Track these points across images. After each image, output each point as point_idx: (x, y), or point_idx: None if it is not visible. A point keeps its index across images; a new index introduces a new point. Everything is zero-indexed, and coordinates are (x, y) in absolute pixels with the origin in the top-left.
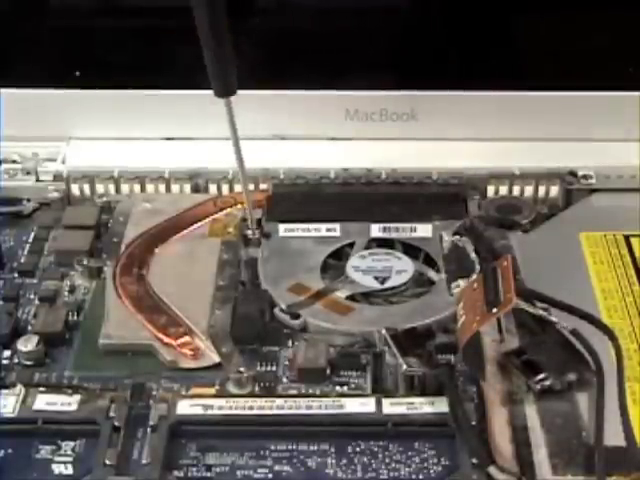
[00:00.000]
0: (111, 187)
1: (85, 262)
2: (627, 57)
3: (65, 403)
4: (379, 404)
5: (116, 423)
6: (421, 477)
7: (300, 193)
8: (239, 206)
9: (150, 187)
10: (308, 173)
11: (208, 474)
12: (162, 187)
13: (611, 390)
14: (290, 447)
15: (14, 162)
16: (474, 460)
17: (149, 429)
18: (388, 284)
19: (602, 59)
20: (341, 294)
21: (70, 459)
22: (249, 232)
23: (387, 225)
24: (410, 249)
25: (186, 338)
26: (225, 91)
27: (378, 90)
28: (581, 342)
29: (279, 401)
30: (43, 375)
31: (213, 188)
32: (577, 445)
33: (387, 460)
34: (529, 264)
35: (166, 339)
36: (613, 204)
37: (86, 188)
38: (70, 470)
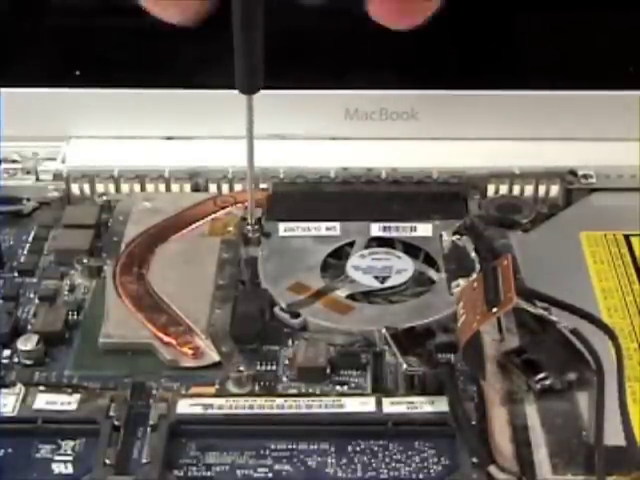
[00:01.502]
0: (111, 186)
1: (85, 261)
2: (627, 57)
3: (65, 402)
4: (379, 403)
5: (116, 422)
6: (421, 476)
7: (300, 192)
8: (239, 205)
9: (150, 186)
10: (308, 172)
11: (208, 473)
12: (162, 186)
13: (611, 390)
14: (290, 446)
15: (14, 162)
16: (474, 459)
17: (149, 428)
18: (388, 283)
19: (602, 59)
20: (341, 293)
21: (70, 458)
22: (248, 227)
23: (387, 224)
24: (410, 248)
25: (186, 337)
26: (251, 88)
27: (378, 89)
28: (581, 341)
29: (279, 400)
30: (43, 374)
31: (213, 187)
32: (577, 445)
33: (387, 459)
34: (529, 263)
35: (166, 338)
36: (613, 204)
37: (86, 187)
38: (70, 469)
